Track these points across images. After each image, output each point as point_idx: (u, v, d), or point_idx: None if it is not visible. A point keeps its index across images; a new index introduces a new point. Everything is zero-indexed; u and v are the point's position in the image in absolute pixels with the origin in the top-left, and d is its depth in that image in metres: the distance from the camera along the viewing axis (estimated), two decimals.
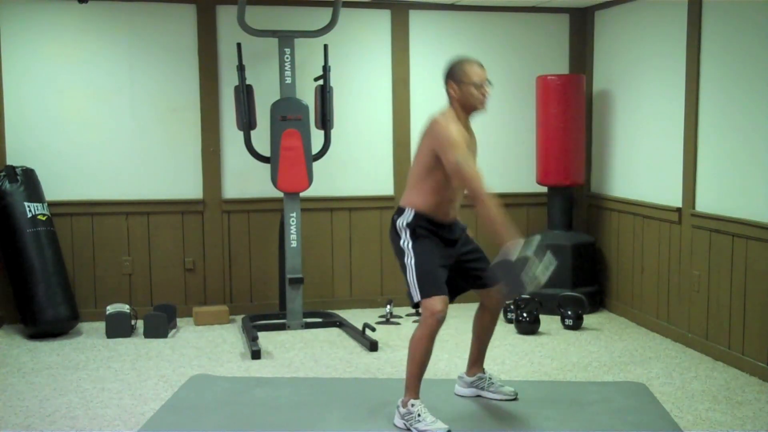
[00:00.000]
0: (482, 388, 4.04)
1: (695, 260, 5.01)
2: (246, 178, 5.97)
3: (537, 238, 3.55)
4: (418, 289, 3.62)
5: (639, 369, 4.64)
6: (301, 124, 5.44)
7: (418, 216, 3.68)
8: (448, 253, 3.73)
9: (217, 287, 6.01)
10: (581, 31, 6.41)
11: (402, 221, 3.70)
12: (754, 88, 4.49)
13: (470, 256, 3.83)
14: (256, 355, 4.88)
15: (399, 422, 3.68)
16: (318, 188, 5.82)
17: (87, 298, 5.80)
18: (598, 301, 6.10)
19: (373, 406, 3.93)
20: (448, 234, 3.74)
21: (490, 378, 4.05)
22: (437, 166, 3.62)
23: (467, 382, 4.07)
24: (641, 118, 5.68)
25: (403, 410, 3.67)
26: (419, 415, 3.60)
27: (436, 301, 3.57)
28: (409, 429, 3.63)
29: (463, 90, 3.66)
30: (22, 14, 5.59)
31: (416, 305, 3.67)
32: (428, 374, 4.35)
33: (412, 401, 3.65)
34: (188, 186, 5.93)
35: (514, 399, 3.99)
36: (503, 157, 6.39)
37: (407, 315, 5.92)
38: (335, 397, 4.09)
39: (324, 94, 5.58)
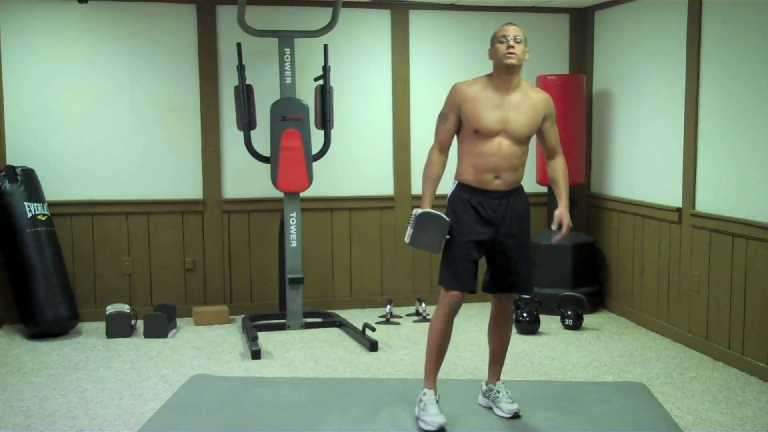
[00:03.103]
0: (492, 400, 3.91)
1: (695, 260, 5.01)
2: (246, 178, 5.97)
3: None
4: (439, 275, 3.70)
5: (639, 369, 4.64)
6: (301, 124, 5.44)
7: (460, 186, 3.70)
8: (484, 231, 3.66)
9: (217, 287, 6.02)
10: (581, 31, 6.41)
11: (450, 194, 3.74)
12: (754, 88, 4.49)
13: (506, 251, 3.72)
14: (256, 355, 4.88)
15: (416, 410, 3.75)
16: (318, 188, 5.82)
17: (87, 298, 5.80)
18: (598, 301, 6.10)
19: (373, 406, 3.93)
20: (490, 210, 3.65)
21: (498, 391, 3.89)
22: (461, 130, 3.70)
23: (482, 392, 3.97)
24: (641, 118, 5.68)
25: (420, 395, 3.74)
26: (426, 405, 3.66)
27: (450, 294, 3.65)
28: (417, 417, 3.71)
29: (493, 48, 3.65)
30: (22, 14, 5.59)
31: None
32: None
33: (425, 390, 3.72)
34: (188, 186, 5.93)
35: (513, 418, 3.79)
36: None
37: (407, 315, 5.92)
38: (335, 397, 4.09)
39: (324, 94, 5.58)
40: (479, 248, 3.68)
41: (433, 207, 3.67)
